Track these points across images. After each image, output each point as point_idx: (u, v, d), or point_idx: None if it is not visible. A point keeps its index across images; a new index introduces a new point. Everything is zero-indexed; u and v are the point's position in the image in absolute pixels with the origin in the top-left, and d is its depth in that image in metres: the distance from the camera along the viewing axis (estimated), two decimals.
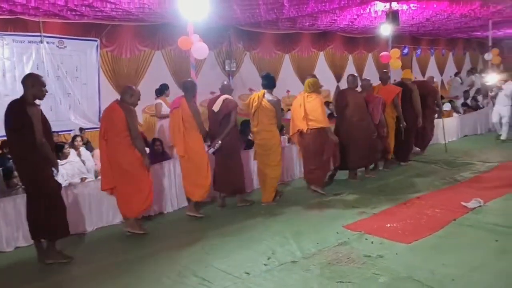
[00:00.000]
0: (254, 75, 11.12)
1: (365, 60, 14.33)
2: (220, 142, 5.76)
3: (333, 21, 10.57)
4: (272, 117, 6.14)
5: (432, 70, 16.17)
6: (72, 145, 6.92)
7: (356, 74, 7.92)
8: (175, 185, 6.09)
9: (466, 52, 18.36)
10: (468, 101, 13.35)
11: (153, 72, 9.36)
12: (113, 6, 7.14)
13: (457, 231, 4.88)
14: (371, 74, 13.64)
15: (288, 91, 11.90)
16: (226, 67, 10.54)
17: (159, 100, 7.51)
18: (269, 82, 6.26)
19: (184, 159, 5.65)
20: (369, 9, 9.39)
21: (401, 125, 7.86)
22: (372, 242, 4.64)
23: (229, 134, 5.84)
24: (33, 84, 4.39)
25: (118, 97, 8.47)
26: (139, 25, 8.97)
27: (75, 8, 7.16)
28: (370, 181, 7.18)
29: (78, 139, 7.13)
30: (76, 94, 8.54)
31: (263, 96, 6.15)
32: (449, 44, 17.47)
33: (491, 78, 11.07)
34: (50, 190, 4.44)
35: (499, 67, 12.48)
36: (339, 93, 7.87)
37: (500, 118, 10.35)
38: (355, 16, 10.20)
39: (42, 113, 4.43)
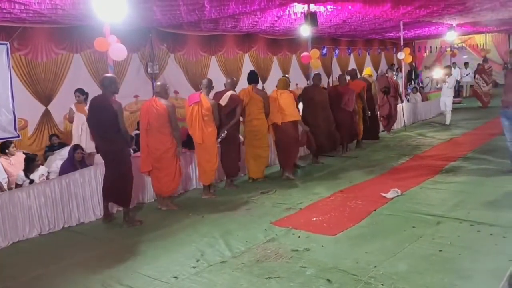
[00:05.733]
0: (180, 78, 10.96)
1: (289, 61, 14.59)
2: (226, 132, 6.55)
3: (254, 23, 10.70)
4: (261, 107, 7.06)
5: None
6: None
7: (319, 73, 8.91)
8: (97, 192, 5.86)
9: (381, 52, 19.39)
10: None
11: (74, 76, 8.91)
12: (23, 7, 6.68)
13: (378, 220, 5.13)
14: (296, 75, 14.04)
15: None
16: (149, 69, 10.26)
17: (71, 105, 7.64)
18: (255, 77, 7.31)
19: (201, 146, 6.43)
20: (289, 10, 9.61)
21: (366, 113, 9.34)
22: (299, 237, 4.76)
23: (233, 125, 6.69)
24: (110, 83, 5.33)
25: (36, 103, 8.33)
26: (54, 27, 8.50)
27: None
28: (296, 178, 7.35)
29: None
30: None
31: (252, 90, 7.08)
32: (366, 45, 18.36)
33: (437, 72, 12.67)
34: (128, 165, 5.47)
35: (412, 64, 13.42)
36: (305, 89, 8.79)
37: (445, 107, 11.97)
38: (276, 18, 10.39)
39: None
